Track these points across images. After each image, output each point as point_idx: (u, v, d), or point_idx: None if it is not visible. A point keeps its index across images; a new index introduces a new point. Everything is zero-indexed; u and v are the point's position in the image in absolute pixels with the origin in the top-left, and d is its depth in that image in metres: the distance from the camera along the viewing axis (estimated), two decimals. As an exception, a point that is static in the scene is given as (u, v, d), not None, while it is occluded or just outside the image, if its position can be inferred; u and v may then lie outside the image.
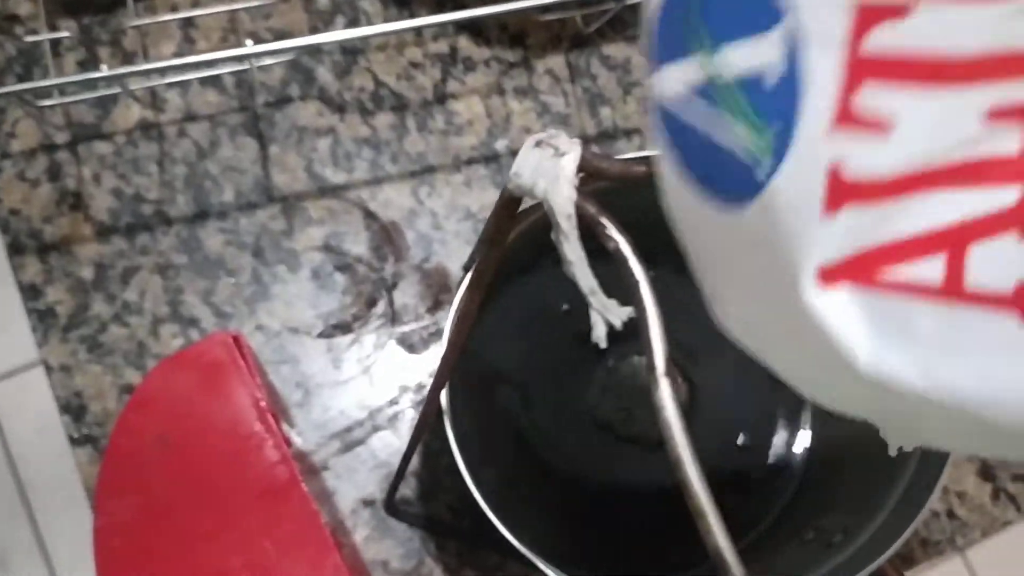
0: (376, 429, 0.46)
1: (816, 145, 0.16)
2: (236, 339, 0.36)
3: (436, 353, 0.47)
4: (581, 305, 0.17)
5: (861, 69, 0.15)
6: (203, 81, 0.49)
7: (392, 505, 0.44)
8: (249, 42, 0.39)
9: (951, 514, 0.49)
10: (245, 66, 0.46)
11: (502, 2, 0.44)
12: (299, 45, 0.42)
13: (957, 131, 0.15)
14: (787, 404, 0.42)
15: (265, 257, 0.47)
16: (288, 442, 0.36)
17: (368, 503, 0.45)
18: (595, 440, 0.43)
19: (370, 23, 0.51)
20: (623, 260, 0.15)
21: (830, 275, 0.16)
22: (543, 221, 0.31)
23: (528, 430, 0.43)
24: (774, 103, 0.16)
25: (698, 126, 0.17)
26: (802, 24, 0.16)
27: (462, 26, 0.52)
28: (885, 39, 0.15)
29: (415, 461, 0.46)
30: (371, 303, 0.48)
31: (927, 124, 0.15)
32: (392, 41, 0.51)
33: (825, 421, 0.41)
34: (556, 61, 0.52)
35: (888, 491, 0.33)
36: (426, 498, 0.46)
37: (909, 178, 0.15)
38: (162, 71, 0.46)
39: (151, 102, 0.49)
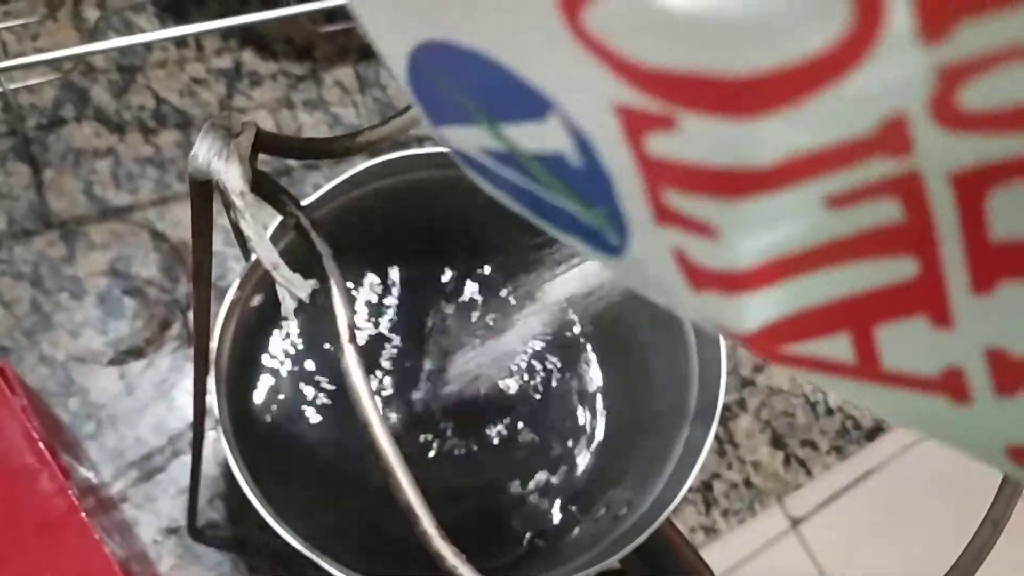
0: (177, 454, 0.45)
1: (652, 234, 0.14)
2: (2, 371, 0.34)
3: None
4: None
5: (654, 173, 0.13)
6: (-35, 106, 0.46)
7: (196, 530, 0.43)
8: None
9: (748, 483, 0.52)
10: (9, 85, 0.44)
11: (278, 7, 0.44)
12: (60, 56, 0.40)
13: (802, 224, 0.13)
14: (584, 393, 0.44)
15: (45, 286, 0.45)
16: (66, 473, 0.35)
17: (172, 531, 0.44)
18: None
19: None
20: (305, 234, 0.16)
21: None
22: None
23: (327, 441, 0.43)
24: (588, 187, 0.14)
25: (520, 185, 0.15)
26: (575, 121, 0.13)
27: (246, 40, 0.51)
28: (663, 148, 0.12)
29: (220, 483, 0.45)
30: (165, 325, 0.46)
31: (758, 223, 0.13)
32: (172, 57, 0.50)
33: (615, 406, 0.43)
34: (345, 73, 0.52)
35: (663, 464, 0.35)
36: (234, 519, 0.45)
37: (769, 268, 0.13)
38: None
39: (-93, 130, 0.46)
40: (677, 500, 0.31)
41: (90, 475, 0.41)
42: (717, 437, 0.52)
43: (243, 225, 0.16)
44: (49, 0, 0.49)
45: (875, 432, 0.55)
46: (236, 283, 0.31)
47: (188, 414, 0.45)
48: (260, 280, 0.34)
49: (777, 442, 0.53)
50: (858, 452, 0.55)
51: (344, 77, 0.52)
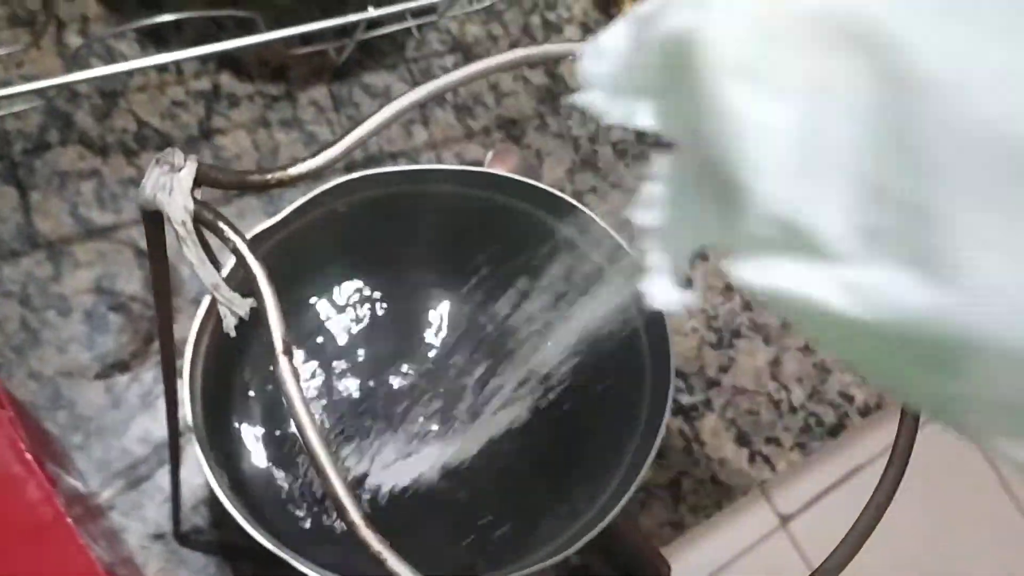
0: (162, 463, 0.47)
1: None
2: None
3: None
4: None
5: None
6: (-46, 133, 0.48)
7: (181, 535, 0.45)
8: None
9: (714, 480, 0.54)
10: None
11: (252, 34, 0.46)
12: (47, 85, 0.43)
13: None
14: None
15: (33, 304, 0.47)
16: (54, 483, 0.36)
17: (158, 536, 0.46)
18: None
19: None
20: (241, 257, 0.18)
21: None
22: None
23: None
24: None
25: None
26: None
27: (223, 63, 0.53)
28: None
29: (204, 488, 0.47)
30: (149, 340, 0.48)
31: None
32: (153, 81, 0.52)
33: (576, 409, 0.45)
34: (319, 92, 0.54)
35: (619, 461, 0.37)
36: (217, 524, 0.47)
37: None
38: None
39: (-102, 157, 0.48)
40: (624, 500, 0.33)
41: (77, 485, 0.43)
42: (684, 435, 0.54)
43: (185, 251, 0.18)
44: (32, 28, 0.51)
45: (838, 429, 0.57)
46: (206, 299, 0.33)
47: (172, 424, 0.47)
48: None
49: (742, 439, 0.55)
50: (843, 448, 0.57)
51: (318, 96, 0.54)
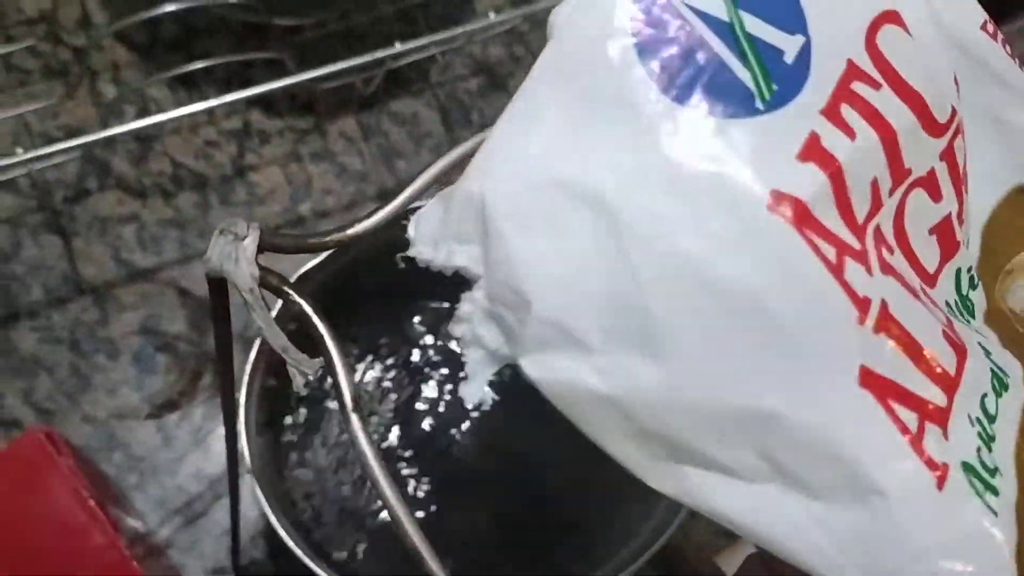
0: (217, 498, 0.48)
1: (806, 113, 0.20)
2: (49, 435, 0.37)
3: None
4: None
5: (847, 94, 0.20)
6: (-3, 186, 0.49)
7: (240, 568, 0.46)
8: (19, 149, 0.41)
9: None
10: (36, 166, 0.47)
11: (284, 77, 0.47)
12: (86, 142, 0.44)
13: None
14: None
15: (82, 349, 0.48)
16: (117, 527, 0.37)
17: (218, 571, 0.46)
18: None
19: (160, 109, 0.53)
20: (308, 319, 0.18)
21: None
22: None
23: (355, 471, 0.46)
24: (782, 72, 0.20)
25: (703, 42, 0.20)
26: (816, 41, 0.20)
27: (252, 101, 0.54)
28: (862, 93, 0.20)
29: (260, 520, 0.48)
30: (196, 376, 0.49)
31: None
32: (186, 123, 0.53)
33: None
34: (348, 123, 0.55)
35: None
36: (275, 555, 0.47)
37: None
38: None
39: (-55, 213, 0.49)
40: (681, 516, 0.34)
41: (137, 524, 0.44)
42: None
43: (254, 316, 0.18)
44: (66, 79, 0.52)
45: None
46: (257, 341, 0.34)
47: (224, 459, 0.48)
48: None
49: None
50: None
51: (347, 127, 0.55)
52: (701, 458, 0.19)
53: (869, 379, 0.19)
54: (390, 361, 0.47)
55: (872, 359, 0.19)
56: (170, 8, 0.45)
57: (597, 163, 0.18)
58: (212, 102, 0.46)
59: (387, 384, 0.47)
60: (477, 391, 0.19)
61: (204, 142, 0.53)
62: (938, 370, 0.20)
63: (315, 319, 0.18)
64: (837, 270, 0.19)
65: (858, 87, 0.20)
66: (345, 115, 0.55)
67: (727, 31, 0.20)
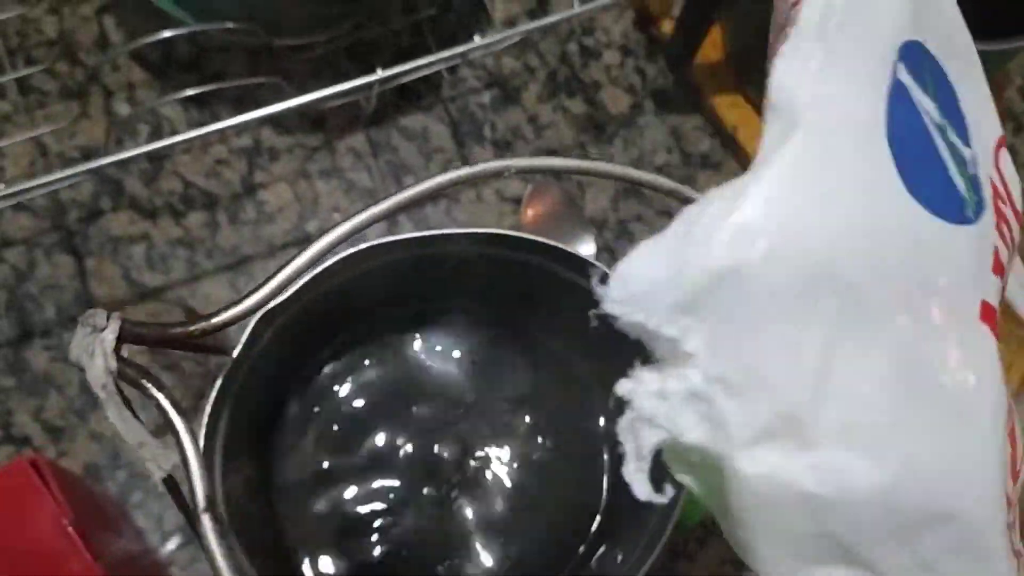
0: (218, 517, 0.48)
1: (990, 225, 0.21)
2: (34, 463, 0.38)
3: (267, 435, 0.49)
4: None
5: (998, 208, 0.22)
6: (14, 207, 0.51)
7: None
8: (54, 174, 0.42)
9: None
10: (53, 187, 0.48)
11: (289, 97, 0.47)
12: (98, 165, 0.44)
13: None
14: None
15: (91, 368, 0.49)
16: (100, 553, 0.38)
17: (216, 590, 0.47)
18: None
19: (172, 129, 0.53)
20: (165, 414, 0.18)
21: None
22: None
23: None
24: (975, 183, 0.21)
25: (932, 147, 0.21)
26: (978, 156, 0.22)
27: (263, 119, 0.54)
28: (1002, 209, 0.22)
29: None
30: (200, 396, 0.50)
31: None
32: (196, 142, 0.53)
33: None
34: (357, 139, 0.55)
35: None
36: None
37: None
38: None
39: (-35, 234, 0.50)
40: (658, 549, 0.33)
41: (133, 545, 0.45)
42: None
43: (108, 413, 0.18)
44: (83, 100, 0.53)
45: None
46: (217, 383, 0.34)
47: (226, 478, 0.49)
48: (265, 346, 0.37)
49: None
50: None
51: (356, 143, 0.55)
52: (862, 561, 0.19)
53: None
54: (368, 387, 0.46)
55: None
56: (182, 31, 0.45)
57: (847, 248, 0.18)
58: (226, 122, 0.45)
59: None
60: (643, 480, 0.18)
61: (214, 160, 0.53)
62: None
63: (172, 414, 0.18)
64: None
65: (999, 204, 0.22)
66: (354, 131, 0.55)
67: (941, 134, 0.20)
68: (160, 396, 0.18)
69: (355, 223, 0.19)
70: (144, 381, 0.18)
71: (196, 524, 0.17)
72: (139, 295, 0.51)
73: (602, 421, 0.43)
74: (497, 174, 0.24)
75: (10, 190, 0.43)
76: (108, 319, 0.18)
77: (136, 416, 0.18)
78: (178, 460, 0.18)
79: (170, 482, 0.29)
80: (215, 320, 0.19)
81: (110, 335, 0.18)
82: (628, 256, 0.18)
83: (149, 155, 0.52)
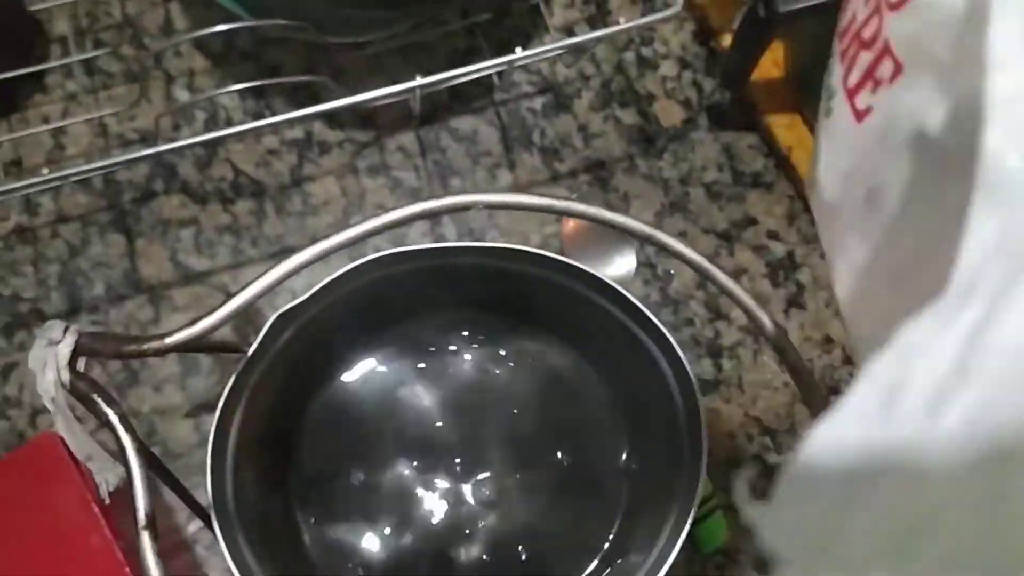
0: (243, 500, 0.49)
1: None
2: (63, 440, 0.40)
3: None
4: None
5: None
6: (73, 185, 0.52)
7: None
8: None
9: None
10: (113, 169, 0.50)
11: (352, 94, 0.47)
12: (164, 150, 0.45)
13: None
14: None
15: (133, 345, 0.51)
16: (117, 533, 0.39)
17: (236, 571, 0.48)
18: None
19: (228, 116, 0.54)
20: (113, 429, 0.18)
21: None
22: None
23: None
24: None
25: None
26: None
27: (316, 112, 0.55)
28: None
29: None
30: (236, 381, 0.51)
31: None
32: (250, 132, 0.54)
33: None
34: (407, 138, 0.55)
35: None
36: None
37: None
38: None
39: (25, 207, 0.52)
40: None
41: (158, 521, 0.46)
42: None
43: (57, 425, 0.18)
44: (145, 83, 0.54)
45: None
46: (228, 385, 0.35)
47: (253, 463, 0.50)
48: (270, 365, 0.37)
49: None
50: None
51: (406, 142, 0.55)
52: None
53: None
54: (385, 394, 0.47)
55: None
56: (237, 25, 0.46)
57: None
58: (281, 117, 0.46)
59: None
60: None
61: (266, 150, 0.54)
62: None
63: (120, 430, 0.18)
64: None
65: None
66: (405, 129, 0.55)
67: None
68: (109, 411, 0.18)
69: (312, 253, 0.19)
70: (94, 396, 0.18)
71: (137, 537, 0.17)
72: (184, 278, 0.52)
73: (623, 455, 0.43)
74: (465, 208, 0.24)
75: (74, 169, 0.45)
76: (64, 332, 0.19)
77: (84, 430, 0.19)
78: (124, 475, 0.18)
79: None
80: (168, 341, 0.20)
81: (65, 348, 0.18)
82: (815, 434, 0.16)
83: (204, 142, 0.54)
